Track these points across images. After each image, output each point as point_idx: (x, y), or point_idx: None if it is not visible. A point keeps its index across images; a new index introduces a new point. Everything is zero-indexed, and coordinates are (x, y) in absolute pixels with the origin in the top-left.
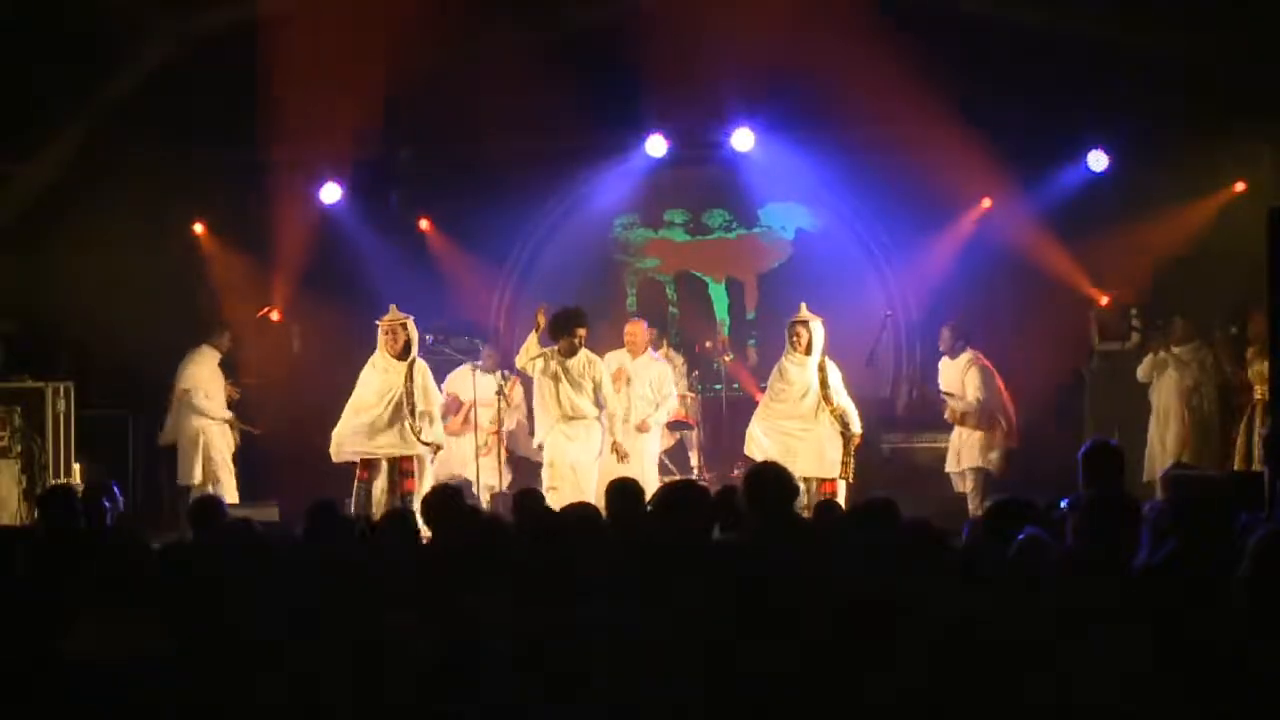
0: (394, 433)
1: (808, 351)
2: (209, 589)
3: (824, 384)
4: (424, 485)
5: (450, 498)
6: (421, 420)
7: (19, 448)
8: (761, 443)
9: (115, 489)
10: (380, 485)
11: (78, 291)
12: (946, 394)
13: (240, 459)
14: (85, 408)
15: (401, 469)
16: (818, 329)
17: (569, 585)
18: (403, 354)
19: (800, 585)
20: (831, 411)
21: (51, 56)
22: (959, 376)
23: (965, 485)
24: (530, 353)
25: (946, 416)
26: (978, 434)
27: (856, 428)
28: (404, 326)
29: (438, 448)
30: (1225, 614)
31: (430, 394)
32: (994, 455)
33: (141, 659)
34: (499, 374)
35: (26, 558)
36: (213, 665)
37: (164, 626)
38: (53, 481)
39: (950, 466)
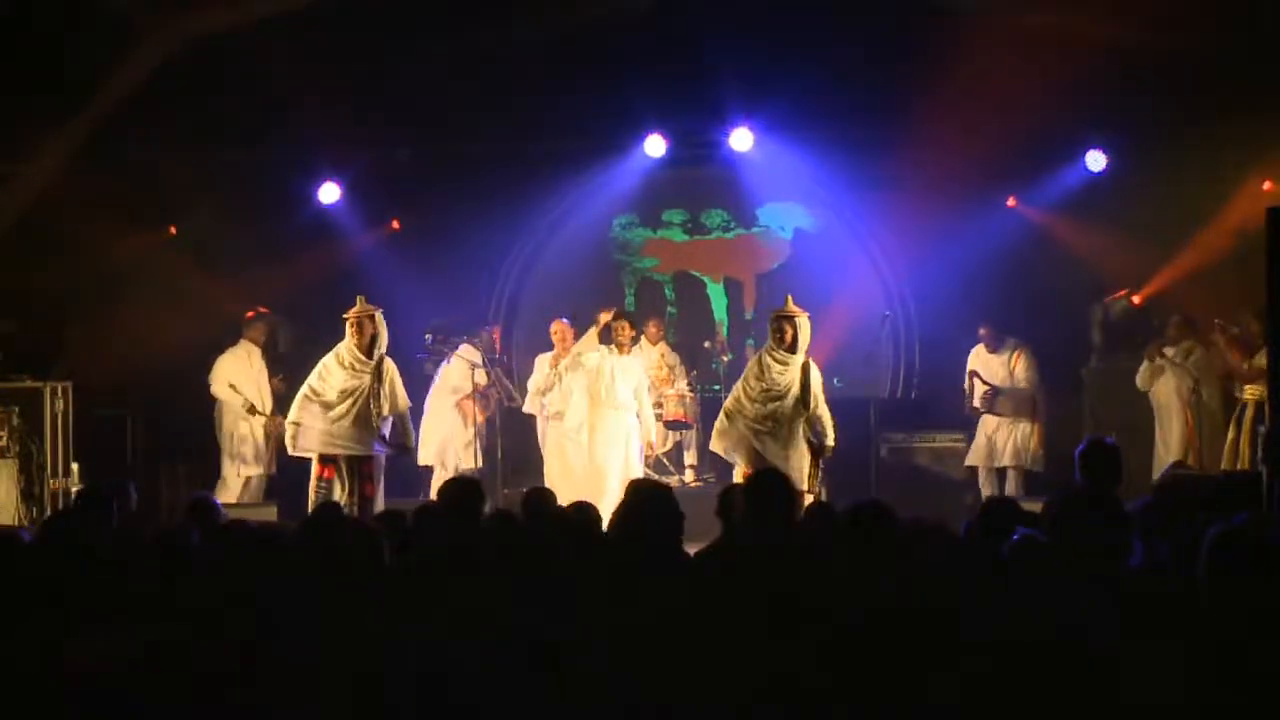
0: (357, 432)
1: (792, 349)
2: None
3: (805, 387)
4: (381, 490)
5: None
6: (384, 424)
7: (17, 448)
8: (725, 444)
9: (130, 488)
10: (338, 486)
11: (78, 291)
12: (987, 384)
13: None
14: (85, 408)
15: (362, 471)
16: (804, 325)
17: (569, 584)
18: (369, 349)
19: (799, 589)
20: (805, 419)
21: (51, 57)
22: (1003, 368)
23: (992, 485)
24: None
25: (979, 405)
26: (1021, 429)
27: (830, 440)
28: (371, 319)
29: (406, 450)
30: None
31: (399, 396)
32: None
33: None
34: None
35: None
36: (210, 667)
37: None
38: (52, 482)
39: (976, 460)
